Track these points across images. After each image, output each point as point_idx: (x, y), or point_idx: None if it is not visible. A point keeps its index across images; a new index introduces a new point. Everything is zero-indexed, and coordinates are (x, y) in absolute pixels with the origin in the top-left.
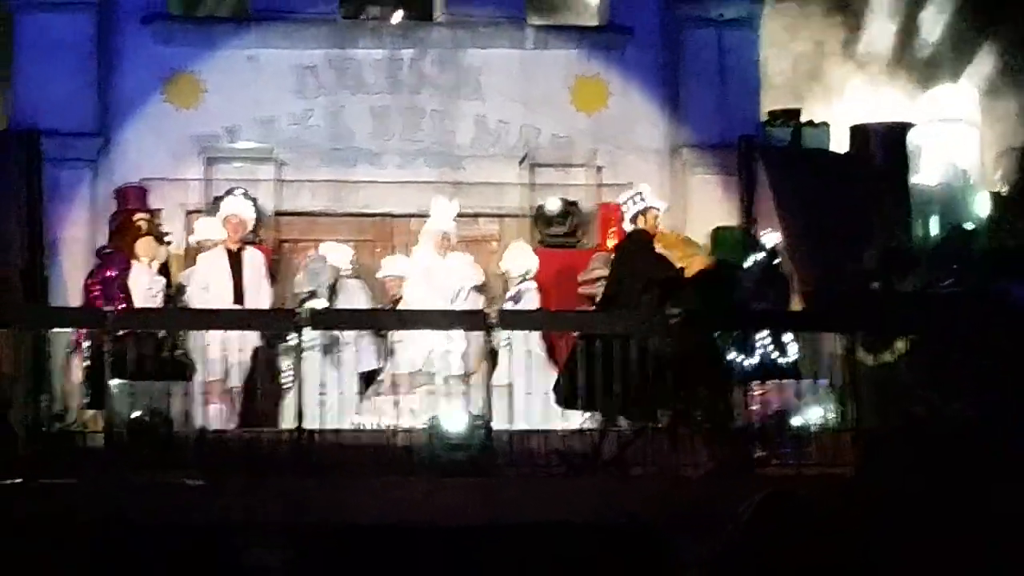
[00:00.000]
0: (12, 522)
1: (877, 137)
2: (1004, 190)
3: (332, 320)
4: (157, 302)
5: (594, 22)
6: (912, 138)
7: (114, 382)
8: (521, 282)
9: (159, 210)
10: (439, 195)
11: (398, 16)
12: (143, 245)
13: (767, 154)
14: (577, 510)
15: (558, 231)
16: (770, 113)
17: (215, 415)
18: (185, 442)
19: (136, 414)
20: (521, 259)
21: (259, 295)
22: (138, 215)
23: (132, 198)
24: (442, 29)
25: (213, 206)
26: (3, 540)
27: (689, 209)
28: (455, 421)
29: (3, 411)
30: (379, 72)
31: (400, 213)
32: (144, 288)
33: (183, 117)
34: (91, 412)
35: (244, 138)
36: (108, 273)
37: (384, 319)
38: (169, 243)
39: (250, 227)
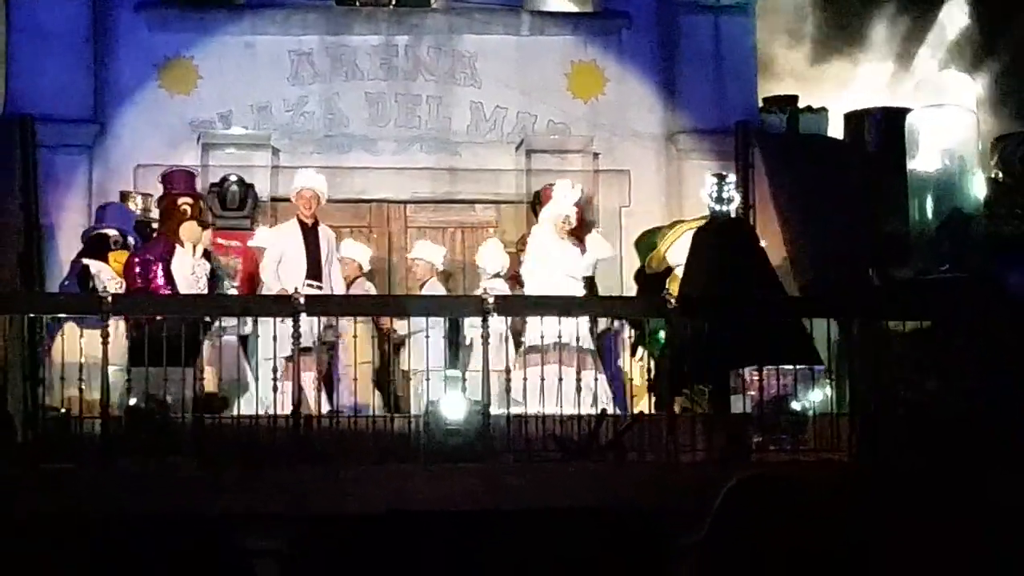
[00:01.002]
0: (10, 511)
1: (873, 123)
2: (1000, 176)
3: (328, 306)
4: (200, 286)
5: (590, 8)
6: (909, 124)
7: (111, 368)
8: (492, 278)
9: (203, 195)
10: (562, 179)
11: (393, 2)
12: (186, 229)
13: (763, 140)
14: (574, 496)
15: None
16: (766, 99)
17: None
18: (182, 429)
19: (132, 402)
20: (495, 257)
21: (333, 271)
22: (182, 199)
23: (178, 182)
24: (437, 15)
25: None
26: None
27: (685, 195)
28: (454, 407)
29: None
30: (374, 58)
31: (396, 199)
32: (187, 272)
33: (178, 103)
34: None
35: (239, 124)
36: (148, 256)
37: (381, 305)
38: (212, 225)
39: (323, 201)
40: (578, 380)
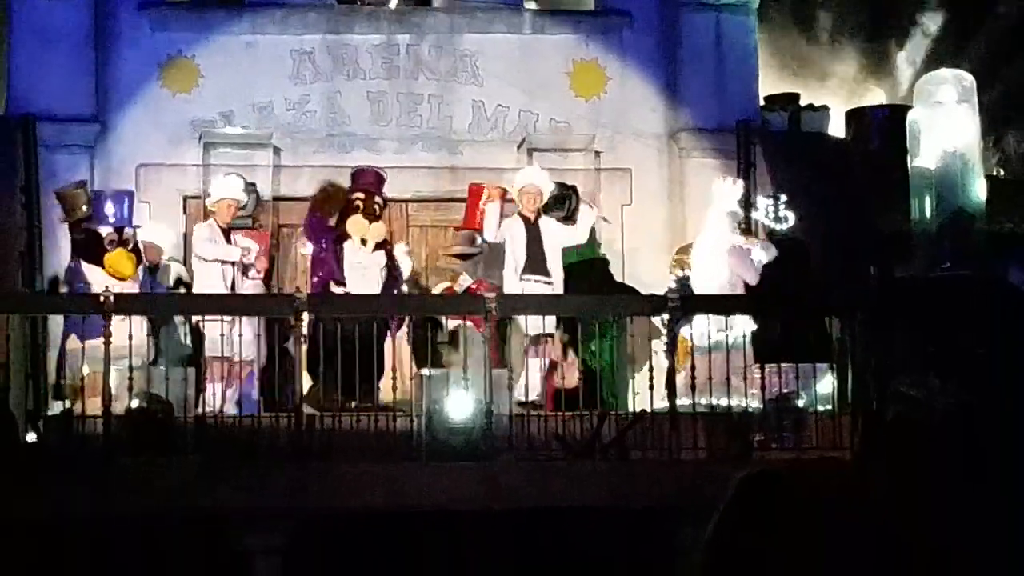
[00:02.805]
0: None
1: (875, 121)
2: (1002, 174)
3: (328, 305)
4: (368, 278)
5: (591, 7)
6: (910, 122)
7: (115, 366)
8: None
9: (378, 192)
10: (725, 176)
11: (394, 1)
12: (353, 223)
13: (765, 138)
14: (577, 494)
15: (557, 215)
16: (768, 97)
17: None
18: (184, 427)
19: (135, 403)
20: (407, 261)
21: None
22: (355, 193)
23: (362, 178)
24: (439, 14)
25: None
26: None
27: (687, 193)
28: (458, 406)
29: (2, 396)
30: (376, 57)
31: (398, 198)
32: (355, 263)
33: (180, 103)
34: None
35: (241, 124)
36: (320, 234)
37: (381, 303)
38: (377, 218)
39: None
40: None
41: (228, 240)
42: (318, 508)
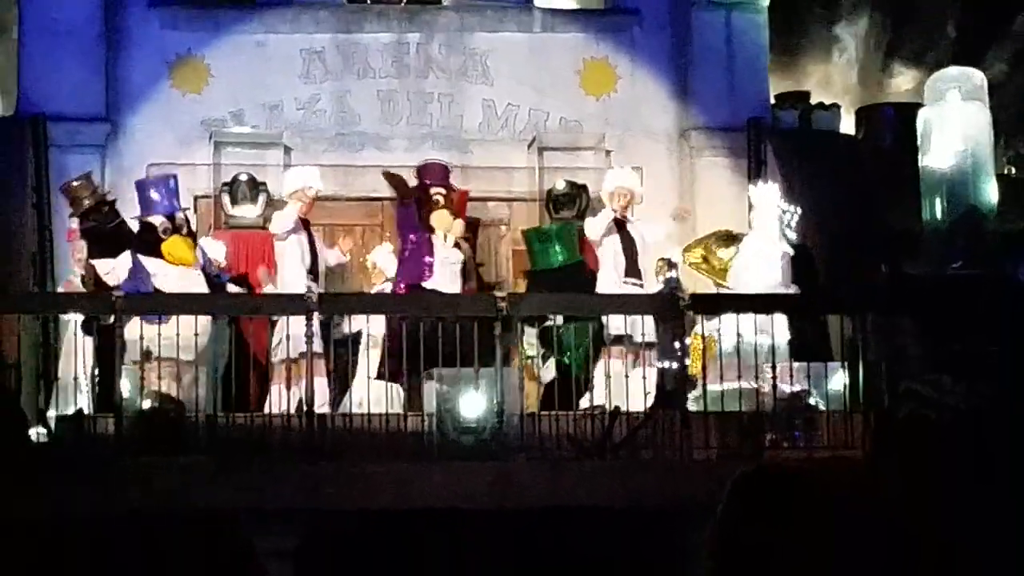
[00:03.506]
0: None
1: (885, 119)
2: (1013, 172)
3: (342, 304)
4: (454, 272)
5: (602, 5)
6: (923, 120)
7: (125, 366)
8: (384, 281)
9: (455, 187)
10: (757, 180)
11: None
12: (437, 218)
13: (776, 136)
14: (588, 494)
15: (567, 215)
16: (779, 96)
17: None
18: (196, 427)
19: (147, 403)
20: (390, 260)
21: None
22: (435, 189)
23: (432, 173)
24: (449, 13)
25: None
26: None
27: (698, 192)
28: (472, 405)
29: (13, 396)
30: (386, 56)
31: None
32: (441, 258)
33: (190, 102)
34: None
35: (251, 123)
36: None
37: (395, 303)
38: (459, 216)
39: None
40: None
41: (308, 231)
42: (330, 508)
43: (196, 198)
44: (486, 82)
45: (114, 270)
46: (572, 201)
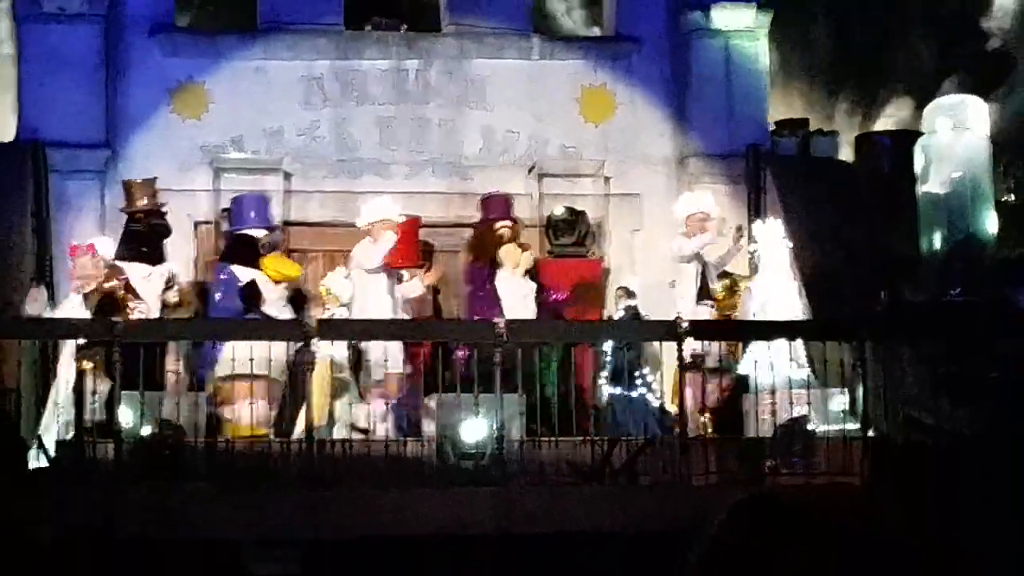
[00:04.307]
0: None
1: (884, 146)
2: (1012, 199)
3: (340, 330)
4: (527, 305)
5: (601, 32)
6: (922, 147)
7: (124, 392)
8: (340, 306)
9: (519, 219)
10: (755, 217)
11: (404, 26)
12: (505, 252)
13: (775, 163)
14: (587, 519)
15: (567, 241)
16: (778, 123)
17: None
18: (195, 453)
19: (147, 429)
20: (345, 286)
21: None
22: (499, 224)
23: (495, 207)
24: (448, 39)
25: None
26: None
27: None
28: (470, 431)
29: (13, 423)
30: (385, 83)
31: None
32: (513, 293)
33: (190, 128)
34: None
35: (251, 149)
36: (474, 287)
37: (395, 328)
38: (528, 247)
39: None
40: None
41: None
42: (330, 534)
43: (196, 223)
44: (485, 108)
45: (150, 276)
46: (571, 227)
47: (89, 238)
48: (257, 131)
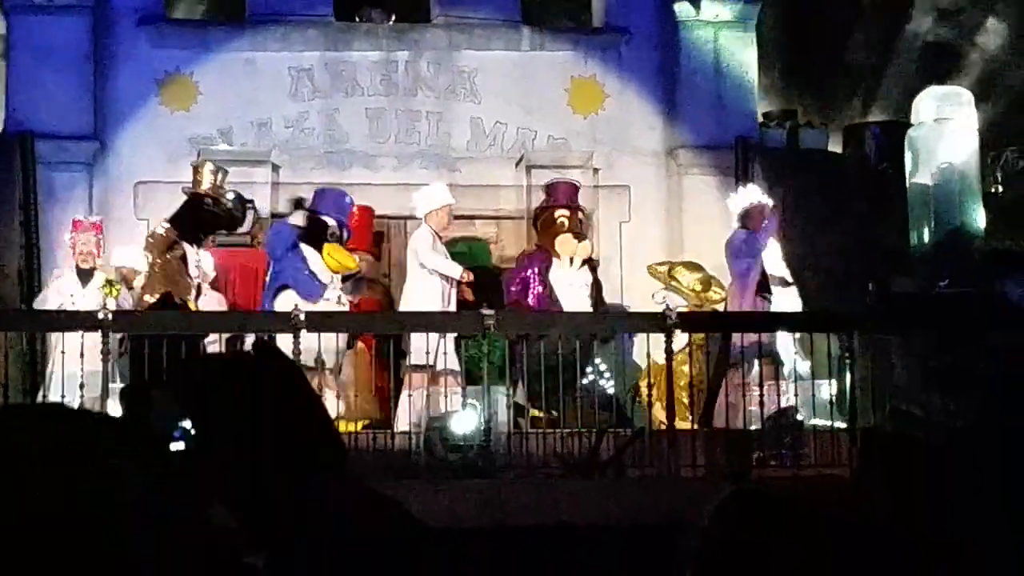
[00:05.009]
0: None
1: (873, 137)
2: (1000, 191)
3: (328, 322)
4: (582, 297)
5: (590, 24)
6: (910, 139)
7: (116, 386)
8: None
9: (583, 207)
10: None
11: (393, 18)
12: (562, 242)
13: (763, 155)
14: (576, 512)
15: None
16: (766, 114)
17: None
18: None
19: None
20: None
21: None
22: (559, 212)
23: (560, 194)
24: (437, 31)
25: None
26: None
27: (685, 210)
28: (463, 422)
29: None
30: (374, 74)
31: (396, 215)
32: (567, 284)
33: (178, 120)
34: None
35: (239, 141)
36: (527, 272)
37: (381, 322)
38: (584, 235)
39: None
40: None
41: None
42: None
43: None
44: (474, 100)
45: (201, 263)
46: None
47: None
48: (246, 123)
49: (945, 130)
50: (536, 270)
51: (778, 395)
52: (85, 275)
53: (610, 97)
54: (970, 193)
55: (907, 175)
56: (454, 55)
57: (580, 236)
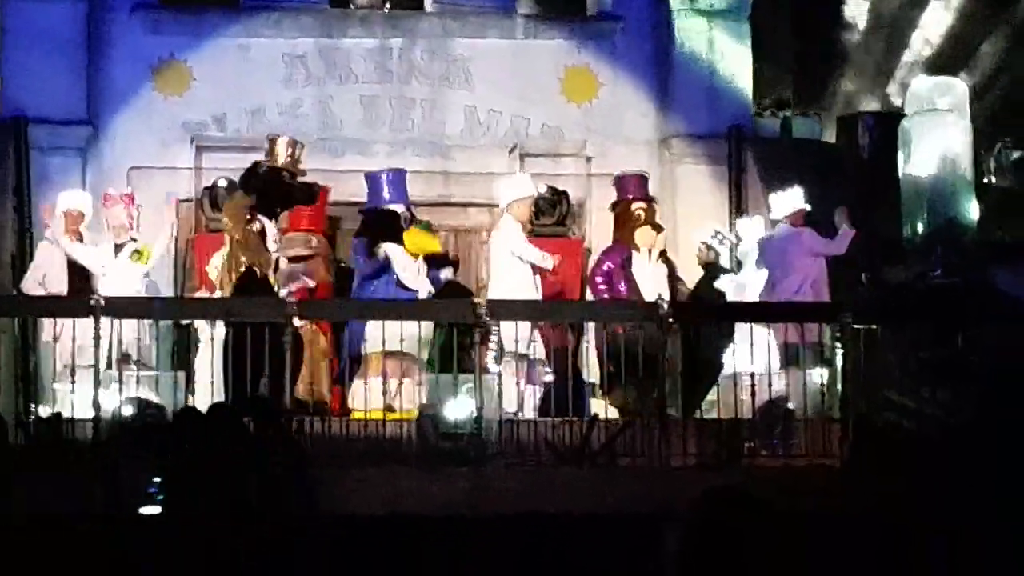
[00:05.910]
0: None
1: (867, 127)
2: (994, 181)
3: (319, 309)
4: (663, 288)
5: (584, 12)
6: (904, 129)
7: (103, 371)
8: None
9: (656, 199)
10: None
11: (387, 5)
12: (641, 235)
13: (757, 144)
14: (566, 501)
15: (547, 221)
16: (760, 103)
17: None
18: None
19: (128, 411)
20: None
21: None
22: (636, 204)
23: (632, 187)
24: (431, 18)
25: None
26: None
27: (678, 199)
28: (456, 410)
29: None
30: (368, 61)
31: None
32: (648, 276)
33: (172, 105)
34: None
35: (233, 127)
36: (607, 266)
37: (371, 309)
38: (663, 229)
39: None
40: None
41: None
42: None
43: (178, 201)
44: (468, 88)
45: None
46: (552, 207)
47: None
48: (239, 109)
49: (939, 121)
50: (618, 264)
51: (769, 385)
52: (117, 246)
53: (604, 86)
54: (963, 184)
55: (900, 167)
56: (448, 43)
57: (658, 228)
